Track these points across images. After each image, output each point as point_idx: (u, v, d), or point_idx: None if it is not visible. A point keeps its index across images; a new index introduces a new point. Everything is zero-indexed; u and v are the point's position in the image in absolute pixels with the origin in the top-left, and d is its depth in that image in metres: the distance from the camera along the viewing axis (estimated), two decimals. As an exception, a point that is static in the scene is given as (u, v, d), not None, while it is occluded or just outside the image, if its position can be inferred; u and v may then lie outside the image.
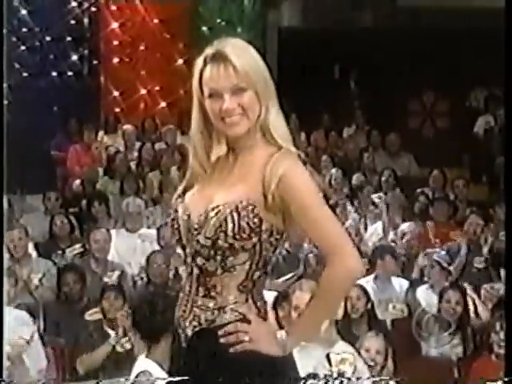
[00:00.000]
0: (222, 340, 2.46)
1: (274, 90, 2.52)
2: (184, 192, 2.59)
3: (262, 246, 2.45)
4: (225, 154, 2.56)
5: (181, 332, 2.55)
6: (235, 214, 2.41)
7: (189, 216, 2.51)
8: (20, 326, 4.26)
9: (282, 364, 2.48)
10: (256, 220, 2.41)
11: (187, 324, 2.53)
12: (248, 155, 2.51)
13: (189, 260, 2.55)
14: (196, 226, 2.48)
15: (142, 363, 4.37)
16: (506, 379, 3.97)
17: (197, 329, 2.51)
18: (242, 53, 2.46)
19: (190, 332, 2.52)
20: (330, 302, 2.50)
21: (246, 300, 2.48)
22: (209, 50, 2.47)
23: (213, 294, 2.50)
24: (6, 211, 8.36)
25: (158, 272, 6.71)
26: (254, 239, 2.42)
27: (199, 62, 2.49)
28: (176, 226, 2.55)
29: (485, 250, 7.31)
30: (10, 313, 4.31)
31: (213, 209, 2.44)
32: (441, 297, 5.95)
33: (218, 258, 2.47)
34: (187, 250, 2.54)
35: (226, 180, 2.51)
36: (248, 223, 2.41)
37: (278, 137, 2.49)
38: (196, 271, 2.52)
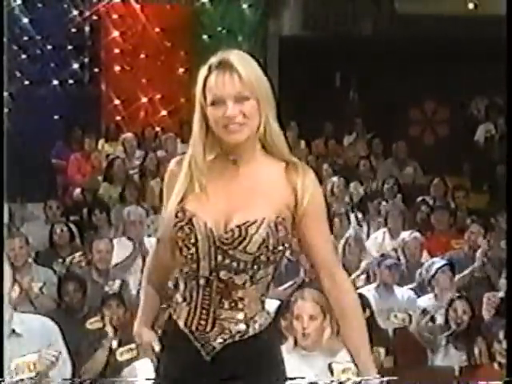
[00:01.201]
0: (256, 349, 2.52)
1: (274, 103, 2.55)
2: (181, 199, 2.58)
3: (282, 258, 2.55)
4: (224, 163, 2.55)
5: (200, 346, 2.52)
6: (274, 229, 2.47)
7: (211, 229, 2.49)
8: (39, 336, 4.17)
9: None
10: (288, 234, 2.51)
11: (212, 337, 2.51)
12: (252, 166, 2.54)
13: (205, 273, 2.51)
14: (227, 241, 2.47)
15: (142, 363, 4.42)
16: (506, 379, 4.11)
17: (228, 341, 2.51)
18: (246, 63, 2.49)
19: (218, 345, 2.51)
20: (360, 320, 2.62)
21: (263, 309, 2.56)
22: (213, 59, 2.50)
23: (240, 306, 2.51)
24: (7, 219, 8.41)
25: None
26: (282, 252, 2.52)
27: (204, 70, 2.51)
28: (193, 239, 2.50)
29: (486, 258, 7.23)
30: (29, 320, 4.25)
31: (250, 224, 2.45)
32: (448, 306, 5.91)
33: (250, 271, 2.49)
34: (202, 264, 2.51)
35: (238, 192, 2.52)
36: (283, 238, 2.49)
37: (279, 149, 2.53)
38: (218, 284, 2.50)
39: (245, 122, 2.47)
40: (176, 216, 2.51)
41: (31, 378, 4.07)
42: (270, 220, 2.47)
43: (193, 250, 2.50)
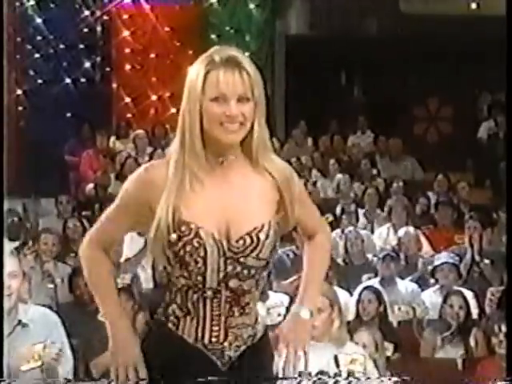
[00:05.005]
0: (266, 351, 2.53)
1: (265, 108, 2.46)
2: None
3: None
4: (210, 165, 2.45)
5: (216, 358, 2.46)
6: (278, 230, 2.46)
7: (220, 241, 2.41)
8: (48, 327, 4.15)
9: None
10: (284, 230, 2.53)
11: (227, 347, 2.46)
12: (238, 168, 2.47)
13: (213, 285, 2.43)
14: (238, 250, 2.42)
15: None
16: (507, 379, 4.11)
17: (242, 348, 2.47)
18: (252, 64, 2.45)
19: (233, 354, 2.46)
20: (325, 269, 2.72)
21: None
22: (216, 55, 2.41)
23: (247, 310, 2.48)
24: (21, 214, 8.59)
25: (163, 276, 6.72)
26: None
27: (203, 64, 2.41)
28: (202, 253, 2.41)
29: (487, 253, 7.32)
30: (33, 310, 4.21)
31: (259, 230, 2.41)
32: (444, 301, 5.97)
33: (257, 276, 2.46)
34: (209, 275, 2.42)
35: (234, 196, 2.44)
36: (278, 240, 2.49)
37: (265, 153, 2.47)
38: (226, 293, 2.44)
39: (243, 122, 2.40)
40: (179, 230, 2.39)
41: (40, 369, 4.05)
42: (274, 222, 2.45)
43: (201, 263, 2.41)
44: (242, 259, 2.40)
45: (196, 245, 2.39)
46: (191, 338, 2.45)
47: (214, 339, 2.45)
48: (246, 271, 2.43)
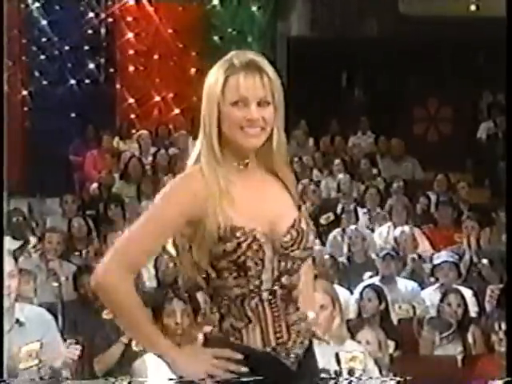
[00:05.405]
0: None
1: (283, 113, 2.44)
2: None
3: None
4: (228, 168, 2.41)
5: (284, 358, 2.41)
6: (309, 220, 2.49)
7: (272, 239, 2.38)
8: (43, 326, 4.22)
9: None
10: None
11: (291, 345, 2.42)
12: (254, 172, 2.45)
13: (268, 286, 2.39)
14: (287, 244, 2.40)
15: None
16: (507, 379, 4.14)
17: (305, 343, 2.45)
18: (271, 68, 2.41)
19: (299, 351, 2.43)
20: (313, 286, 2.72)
21: None
22: (235, 59, 2.38)
23: (299, 305, 2.46)
24: (27, 214, 8.67)
25: (167, 273, 6.76)
26: None
27: (222, 68, 2.38)
28: (261, 255, 2.36)
29: (487, 252, 7.40)
30: (29, 309, 4.28)
31: (298, 222, 2.41)
32: (442, 299, 6.00)
33: (301, 268, 2.45)
34: (265, 277, 2.38)
35: (262, 196, 2.42)
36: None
37: (281, 158, 2.45)
38: (280, 291, 2.41)
39: (264, 127, 2.37)
40: (234, 237, 2.33)
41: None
42: (303, 213, 2.46)
43: (260, 265, 2.37)
44: (291, 253, 2.39)
45: (255, 247, 2.35)
46: (258, 344, 2.38)
47: (279, 340, 2.40)
48: (295, 265, 2.41)
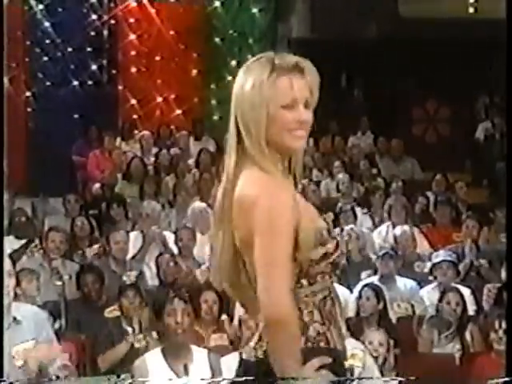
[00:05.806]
0: None
1: None
2: None
3: None
4: None
5: (342, 353, 2.40)
6: None
7: (335, 237, 2.39)
8: (39, 324, 4.22)
9: None
10: None
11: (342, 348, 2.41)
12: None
13: (331, 285, 2.39)
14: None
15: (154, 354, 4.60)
16: (507, 379, 4.27)
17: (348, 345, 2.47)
18: (314, 69, 2.42)
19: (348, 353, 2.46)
20: None
21: None
22: (279, 60, 2.34)
23: None
24: (30, 213, 8.75)
25: (168, 272, 6.83)
26: None
27: (266, 70, 2.32)
28: (337, 254, 2.36)
29: (485, 251, 7.46)
30: (25, 308, 4.32)
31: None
32: (441, 298, 6.05)
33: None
34: (329, 278, 2.36)
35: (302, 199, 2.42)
36: None
37: (301, 164, 2.43)
38: (333, 287, 2.42)
39: (308, 128, 2.38)
40: (330, 237, 2.34)
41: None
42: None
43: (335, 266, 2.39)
44: (342, 249, 2.47)
45: (335, 246, 2.35)
46: (339, 345, 2.38)
47: (345, 335, 2.41)
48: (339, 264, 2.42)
